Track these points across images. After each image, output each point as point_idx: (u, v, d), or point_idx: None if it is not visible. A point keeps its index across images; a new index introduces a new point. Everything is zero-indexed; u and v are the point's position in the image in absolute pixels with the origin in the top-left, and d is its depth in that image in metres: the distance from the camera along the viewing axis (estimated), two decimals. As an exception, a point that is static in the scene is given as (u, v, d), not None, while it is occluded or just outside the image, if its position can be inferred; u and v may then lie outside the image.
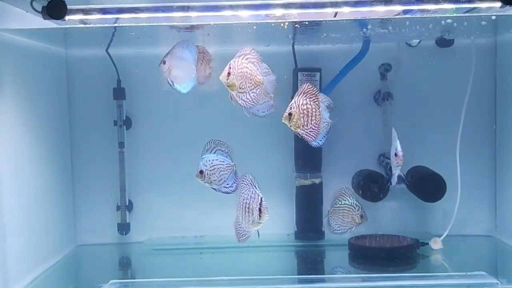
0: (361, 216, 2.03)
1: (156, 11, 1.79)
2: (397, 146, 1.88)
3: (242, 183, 1.77)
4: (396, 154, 1.88)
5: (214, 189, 1.87)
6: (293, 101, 1.75)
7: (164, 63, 1.87)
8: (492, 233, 2.51)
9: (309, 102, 1.75)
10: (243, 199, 1.75)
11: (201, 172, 1.83)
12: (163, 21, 1.89)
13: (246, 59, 1.75)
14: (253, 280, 1.92)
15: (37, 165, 2.19)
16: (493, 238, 2.49)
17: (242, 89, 1.76)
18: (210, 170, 1.83)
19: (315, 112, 1.75)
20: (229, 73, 1.73)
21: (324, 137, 1.84)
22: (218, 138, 1.92)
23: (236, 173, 1.88)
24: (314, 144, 1.81)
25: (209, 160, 1.83)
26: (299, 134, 1.77)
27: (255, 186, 1.74)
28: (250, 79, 1.75)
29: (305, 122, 1.75)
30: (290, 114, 1.74)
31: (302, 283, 1.96)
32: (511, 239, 2.38)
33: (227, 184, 1.86)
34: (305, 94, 1.75)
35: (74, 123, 2.51)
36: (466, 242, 2.46)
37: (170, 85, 1.91)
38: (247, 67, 1.74)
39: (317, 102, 1.76)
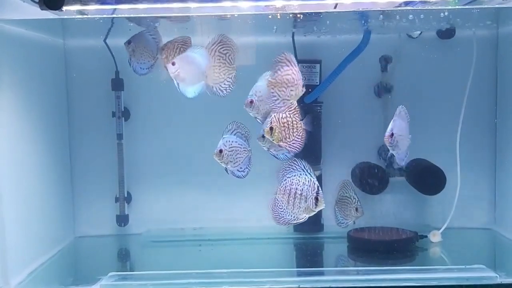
0: (356, 209, 2.03)
1: (154, 2, 1.77)
2: (388, 127, 1.88)
3: (289, 167, 1.78)
4: (391, 135, 1.87)
5: (227, 171, 1.87)
6: (272, 115, 1.78)
7: (174, 64, 1.81)
8: (491, 226, 2.51)
9: (288, 115, 1.78)
10: (293, 184, 1.76)
11: (221, 151, 1.82)
12: (162, 12, 1.87)
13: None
14: (252, 273, 1.91)
15: (35, 157, 2.18)
16: (492, 231, 2.49)
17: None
18: (229, 151, 1.83)
19: (296, 125, 1.79)
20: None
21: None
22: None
23: (250, 159, 1.89)
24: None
25: (229, 141, 1.85)
26: (282, 147, 1.81)
27: (310, 174, 1.75)
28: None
29: (286, 135, 1.78)
30: (271, 128, 1.77)
31: (301, 275, 1.96)
32: (510, 232, 2.38)
33: (241, 168, 1.87)
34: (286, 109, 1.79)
35: (72, 115, 2.50)
36: (465, 235, 2.46)
37: (176, 86, 1.86)
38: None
39: (297, 115, 1.79)
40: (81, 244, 2.47)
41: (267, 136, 1.79)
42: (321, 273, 2.01)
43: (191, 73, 1.82)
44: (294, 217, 1.79)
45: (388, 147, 1.89)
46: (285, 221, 1.80)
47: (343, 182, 2.07)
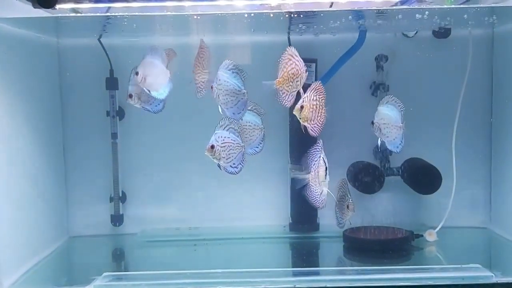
0: (348, 207, 2.01)
1: (148, 0, 1.75)
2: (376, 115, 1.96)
3: (314, 151, 1.84)
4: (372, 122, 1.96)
5: (219, 167, 1.86)
6: (305, 95, 1.80)
7: (137, 74, 1.86)
8: (487, 225, 2.51)
9: (318, 99, 1.81)
10: (313, 166, 1.83)
11: (212, 147, 1.80)
12: (156, 11, 1.85)
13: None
14: (248, 273, 1.90)
15: (29, 157, 2.16)
16: (488, 230, 2.49)
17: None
18: (221, 147, 1.81)
19: (321, 110, 1.82)
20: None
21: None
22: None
23: (243, 154, 1.87)
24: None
25: (221, 137, 1.82)
26: (305, 128, 1.82)
27: (316, 149, 1.82)
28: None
29: (312, 117, 1.81)
30: (302, 107, 1.79)
31: (297, 275, 1.95)
32: (505, 231, 2.38)
33: (233, 164, 1.85)
34: (316, 91, 1.81)
35: (66, 114, 2.48)
36: (461, 234, 2.46)
37: (148, 93, 1.90)
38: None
39: (324, 100, 1.82)
40: (75, 244, 2.45)
41: (296, 113, 1.80)
42: (316, 273, 2.00)
43: (156, 76, 1.87)
44: (323, 193, 1.85)
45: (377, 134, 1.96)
46: (324, 201, 1.86)
47: (341, 182, 2.05)
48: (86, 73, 2.46)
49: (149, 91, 1.89)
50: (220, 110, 1.86)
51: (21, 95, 2.09)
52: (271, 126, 2.42)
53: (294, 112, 1.81)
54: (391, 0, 1.83)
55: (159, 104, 1.98)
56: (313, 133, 1.82)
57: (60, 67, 2.47)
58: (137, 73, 1.86)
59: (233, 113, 1.85)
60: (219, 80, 1.81)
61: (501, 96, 2.43)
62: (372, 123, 1.96)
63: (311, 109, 1.79)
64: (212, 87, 1.83)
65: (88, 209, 2.50)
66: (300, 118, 1.80)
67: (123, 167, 2.50)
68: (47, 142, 2.33)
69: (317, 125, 1.82)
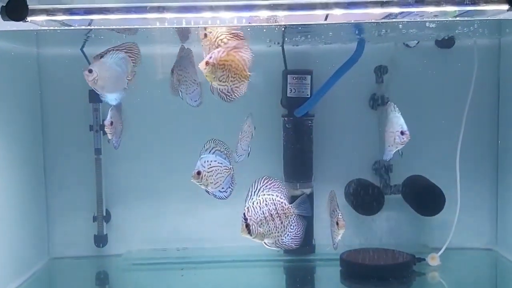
0: (337, 223, 1.83)
1: (127, 12, 1.62)
2: (403, 123, 1.78)
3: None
4: (402, 133, 1.77)
5: (208, 192, 1.76)
6: (216, 50, 1.60)
7: (90, 71, 1.72)
8: (493, 246, 2.40)
9: (231, 57, 1.59)
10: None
11: (199, 173, 1.69)
12: (137, 23, 1.73)
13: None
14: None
15: (8, 174, 2.08)
16: (494, 251, 2.38)
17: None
18: (208, 172, 1.70)
19: (240, 73, 1.59)
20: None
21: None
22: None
23: (233, 177, 1.78)
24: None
25: (208, 161, 1.72)
26: (214, 89, 1.61)
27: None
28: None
29: (223, 78, 1.59)
30: (207, 63, 1.58)
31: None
32: (512, 253, 2.27)
33: (222, 188, 1.76)
34: (235, 50, 1.60)
35: (47, 128, 2.39)
36: (466, 256, 2.35)
37: (98, 94, 1.80)
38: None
39: (247, 60, 1.60)
40: (56, 266, 2.36)
41: (201, 68, 1.59)
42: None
43: (109, 80, 1.75)
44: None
45: (400, 144, 1.78)
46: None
47: (329, 195, 1.85)
48: (68, 85, 2.34)
49: (99, 92, 1.79)
50: (180, 94, 1.89)
51: (-1, 110, 1.99)
52: (263, 141, 2.33)
53: (199, 66, 1.59)
54: (390, 11, 1.69)
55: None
56: (225, 99, 1.61)
57: (40, 79, 2.37)
58: (90, 71, 1.71)
59: (191, 100, 1.90)
60: (181, 66, 1.86)
61: (508, 109, 2.31)
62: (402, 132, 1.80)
63: (221, 66, 1.56)
64: (172, 71, 1.85)
65: (70, 229, 2.40)
66: (206, 76, 1.58)
67: (107, 185, 2.40)
68: (26, 158, 2.23)
69: (234, 91, 1.60)
